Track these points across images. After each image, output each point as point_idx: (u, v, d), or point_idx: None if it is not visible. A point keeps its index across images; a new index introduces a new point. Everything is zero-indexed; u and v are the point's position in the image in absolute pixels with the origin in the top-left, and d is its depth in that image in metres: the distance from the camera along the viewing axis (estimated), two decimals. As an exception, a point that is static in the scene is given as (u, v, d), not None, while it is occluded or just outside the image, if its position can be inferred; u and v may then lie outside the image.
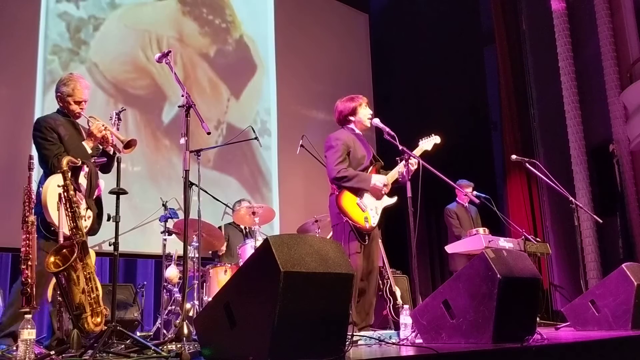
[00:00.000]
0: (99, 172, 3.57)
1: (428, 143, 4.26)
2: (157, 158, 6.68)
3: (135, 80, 6.70)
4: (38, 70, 5.98)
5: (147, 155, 6.60)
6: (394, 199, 4.15)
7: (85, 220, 3.30)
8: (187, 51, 7.21)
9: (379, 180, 4.05)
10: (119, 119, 3.64)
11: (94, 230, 3.50)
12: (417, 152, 4.17)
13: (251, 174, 7.49)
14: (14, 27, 5.88)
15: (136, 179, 6.38)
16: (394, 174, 4.15)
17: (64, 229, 3.01)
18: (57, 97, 3.62)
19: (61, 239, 2.97)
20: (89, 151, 3.51)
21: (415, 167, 4.02)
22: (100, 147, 3.61)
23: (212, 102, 7.27)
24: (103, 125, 3.51)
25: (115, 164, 3.22)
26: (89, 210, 3.41)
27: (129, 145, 3.48)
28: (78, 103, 3.58)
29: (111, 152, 3.60)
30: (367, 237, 4.00)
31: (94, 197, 3.49)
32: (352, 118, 4.23)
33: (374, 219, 4.01)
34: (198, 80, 7.22)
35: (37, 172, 3.18)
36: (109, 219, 3.12)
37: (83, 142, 3.52)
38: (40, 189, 3.30)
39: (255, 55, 7.94)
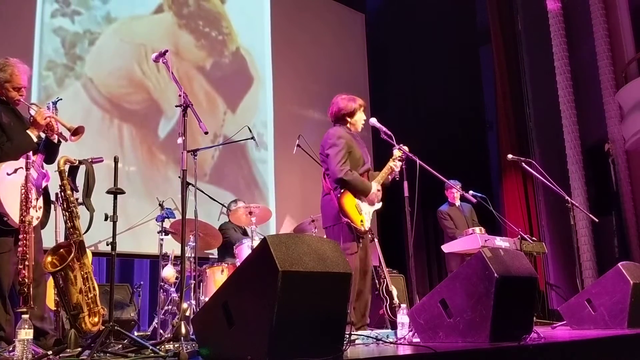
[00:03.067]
0: (43, 162, 3.39)
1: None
2: (152, 173, 6.57)
3: (131, 95, 6.59)
4: (33, 86, 5.78)
5: (142, 171, 6.50)
6: (380, 204, 4.19)
7: (36, 210, 3.18)
8: (183, 64, 7.10)
9: (375, 190, 4.09)
10: (56, 109, 3.43)
11: (42, 224, 3.36)
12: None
13: (247, 187, 7.40)
14: (9, 43, 5.74)
15: (132, 195, 6.09)
16: (383, 175, 4.17)
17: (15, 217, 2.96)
18: None
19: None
20: (34, 140, 3.31)
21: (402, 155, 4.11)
22: (43, 135, 3.38)
23: (208, 116, 7.11)
24: (47, 112, 3.32)
25: (113, 162, 3.18)
26: (39, 200, 3.26)
27: (76, 132, 3.29)
28: (17, 89, 3.36)
29: (56, 141, 3.39)
30: (361, 240, 4.02)
31: (42, 187, 3.33)
32: (349, 119, 4.21)
33: (367, 223, 4.05)
34: (194, 94, 7.06)
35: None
36: (106, 219, 3.09)
37: (27, 131, 3.30)
38: None
39: (251, 68, 7.85)
